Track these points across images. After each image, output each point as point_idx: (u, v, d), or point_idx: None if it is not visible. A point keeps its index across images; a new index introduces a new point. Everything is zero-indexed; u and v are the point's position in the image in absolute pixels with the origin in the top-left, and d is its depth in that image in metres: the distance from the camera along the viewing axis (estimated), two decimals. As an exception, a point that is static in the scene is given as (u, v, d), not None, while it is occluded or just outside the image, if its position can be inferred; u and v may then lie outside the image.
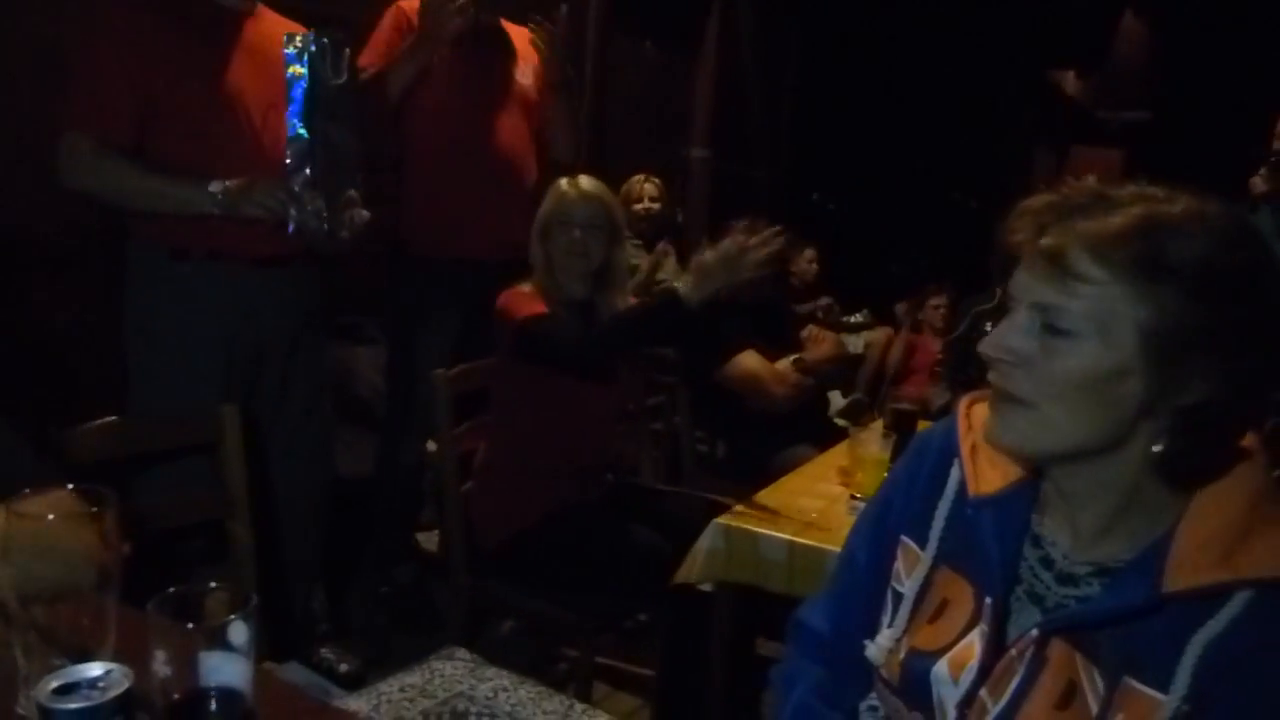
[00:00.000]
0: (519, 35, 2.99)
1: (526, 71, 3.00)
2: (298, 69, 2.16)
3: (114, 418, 1.82)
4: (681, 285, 2.21)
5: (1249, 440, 0.97)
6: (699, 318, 2.20)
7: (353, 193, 2.28)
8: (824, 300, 5.26)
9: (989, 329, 3.73)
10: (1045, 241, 0.93)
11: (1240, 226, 0.92)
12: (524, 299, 2.40)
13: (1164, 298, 0.89)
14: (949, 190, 8.51)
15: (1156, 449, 0.93)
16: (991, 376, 0.99)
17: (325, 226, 2.18)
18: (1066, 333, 0.92)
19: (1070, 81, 11.85)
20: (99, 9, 2.17)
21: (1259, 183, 3.51)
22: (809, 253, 5.05)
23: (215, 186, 2.16)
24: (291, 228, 2.17)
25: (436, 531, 3.12)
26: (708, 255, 2.18)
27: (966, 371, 3.64)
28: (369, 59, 2.81)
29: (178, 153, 2.20)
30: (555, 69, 2.96)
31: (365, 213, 2.29)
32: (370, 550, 3.12)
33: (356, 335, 3.59)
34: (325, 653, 2.63)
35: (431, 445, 2.90)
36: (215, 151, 2.22)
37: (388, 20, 2.88)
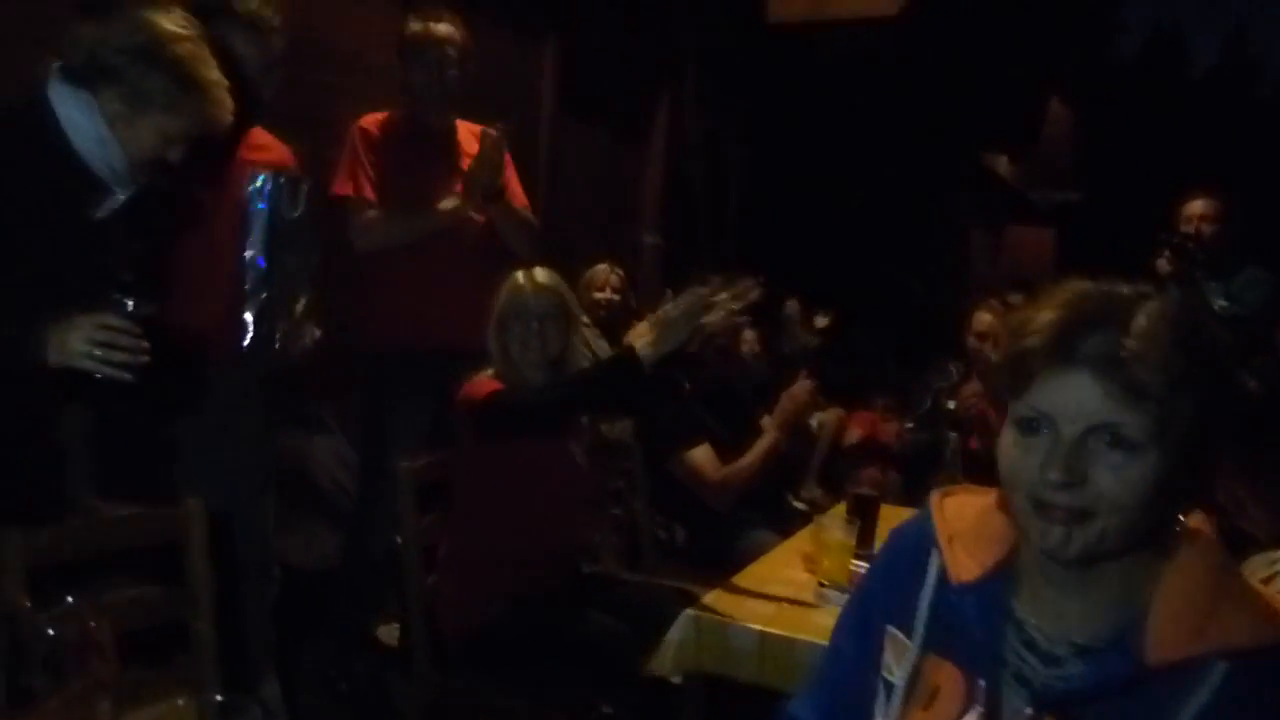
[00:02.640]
0: (471, 131, 3.04)
1: None
2: (258, 204, 2.36)
3: (77, 517, 1.81)
4: (639, 344, 2.23)
5: (1198, 519, 1.04)
6: (656, 377, 2.22)
7: (302, 306, 2.44)
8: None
9: (951, 406, 3.76)
10: (1100, 361, 0.95)
11: (1195, 311, 1.00)
12: (483, 384, 2.43)
13: (1206, 392, 0.95)
14: (891, 271, 8.72)
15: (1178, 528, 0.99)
16: (1044, 494, 0.99)
17: (278, 346, 2.39)
18: (1136, 446, 0.95)
19: (1003, 165, 12.30)
20: None
21: (1164, 265, 3.68)
22: (749, 335, 5.12)
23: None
24: (246, 343, 2.35)
25: (395, 625, 3.08)
26: (669, 308, 2.21)
27: (934, 447, 3.71)
28: (350, 188, 2.90)
29: None
30: (472, 181, 2.94)
31: (318, 331, 2.50)
32: (328, 644, 3.06)
33: (312, 424, 3.56)
34: (281, 751, 2.57)
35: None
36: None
37: (352, 144, 2.96)
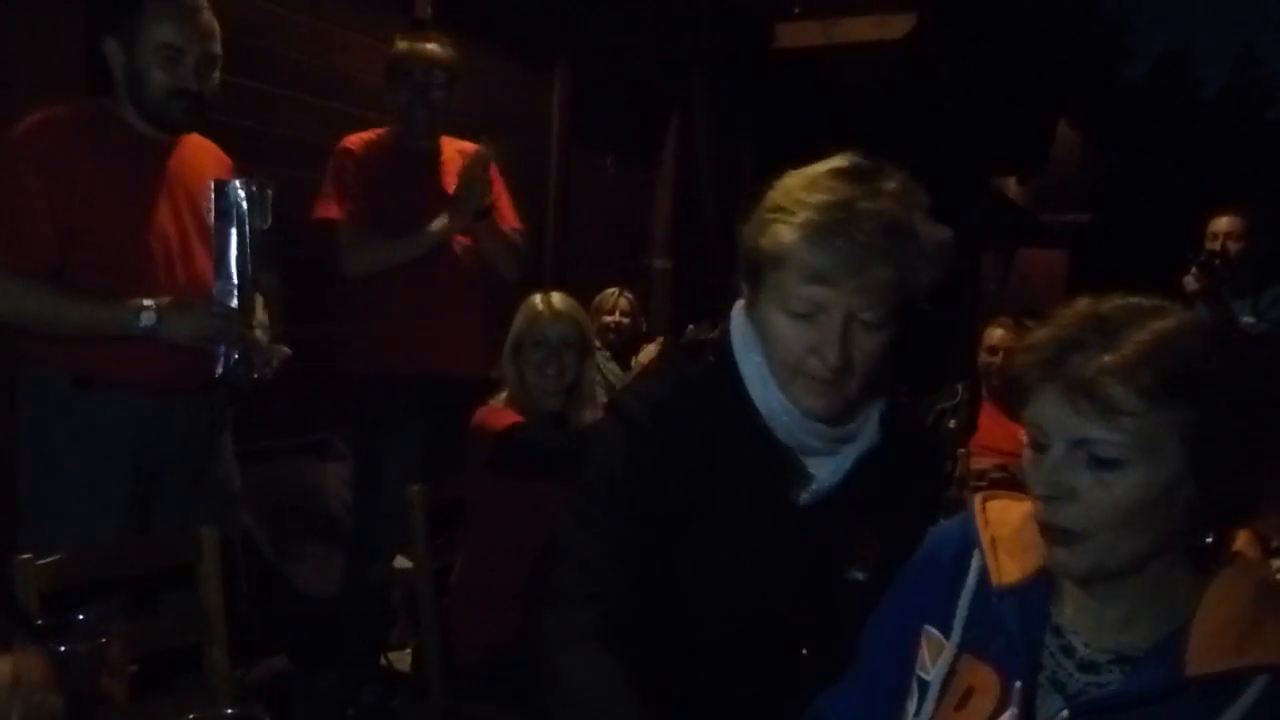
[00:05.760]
0: (460, 150, 2.97)
1: None
2: (226, 215, 2.18)
3: (89, 545, 1.82)
4: None
5: (1245, 541, 1.04)
6: None
7: (261, 328, 2.30)
8: None
9: (952, 425, 3.73)
10: (1074, 378, 0.97)
11: (1219, 324, 1.00)
12: (499, 413, 2.42)
13: (1199, 406, 0.95)
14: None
15: (1209, 541, 0.99)
16: (1040, 511, 1.04)
17: (250, 367, 2.24)
18: (1114, 462, 0.97)
19: (1012, 187, 12.30)
20: (20, 133, 2.14)
21: (1191, 282, 3.64)
22: None
23: (148, 303, 2.11)
24: (220, 370, 2.22)
25: (408, 650, 3.07)
26: None
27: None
28: (334, 211, 2.80)
29: (95, 281, 2.16)
30: (459, 199, 2.83)
31: (286, 349, 2.35)
32: (336, 670, 3.05)
33: (324, 452, 3.57)
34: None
35: (400, 561, 2.87)
36: (133, 280, 2.17)
37: (337, 165, 2.87)
